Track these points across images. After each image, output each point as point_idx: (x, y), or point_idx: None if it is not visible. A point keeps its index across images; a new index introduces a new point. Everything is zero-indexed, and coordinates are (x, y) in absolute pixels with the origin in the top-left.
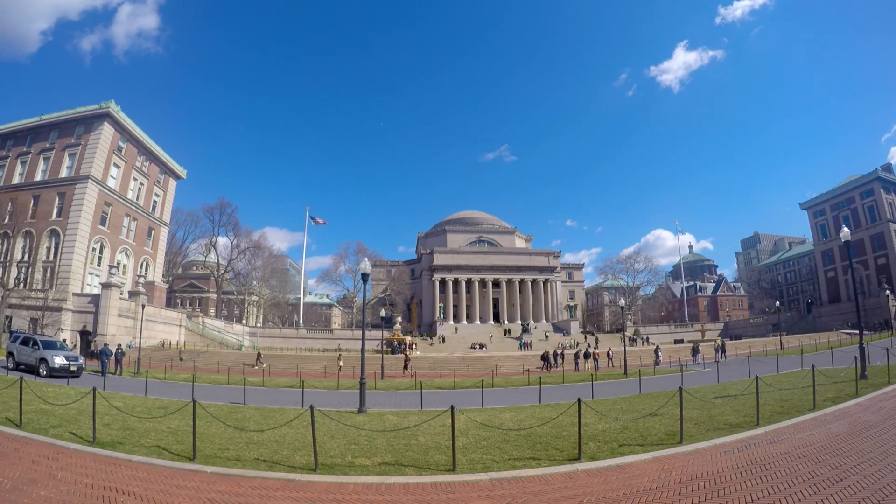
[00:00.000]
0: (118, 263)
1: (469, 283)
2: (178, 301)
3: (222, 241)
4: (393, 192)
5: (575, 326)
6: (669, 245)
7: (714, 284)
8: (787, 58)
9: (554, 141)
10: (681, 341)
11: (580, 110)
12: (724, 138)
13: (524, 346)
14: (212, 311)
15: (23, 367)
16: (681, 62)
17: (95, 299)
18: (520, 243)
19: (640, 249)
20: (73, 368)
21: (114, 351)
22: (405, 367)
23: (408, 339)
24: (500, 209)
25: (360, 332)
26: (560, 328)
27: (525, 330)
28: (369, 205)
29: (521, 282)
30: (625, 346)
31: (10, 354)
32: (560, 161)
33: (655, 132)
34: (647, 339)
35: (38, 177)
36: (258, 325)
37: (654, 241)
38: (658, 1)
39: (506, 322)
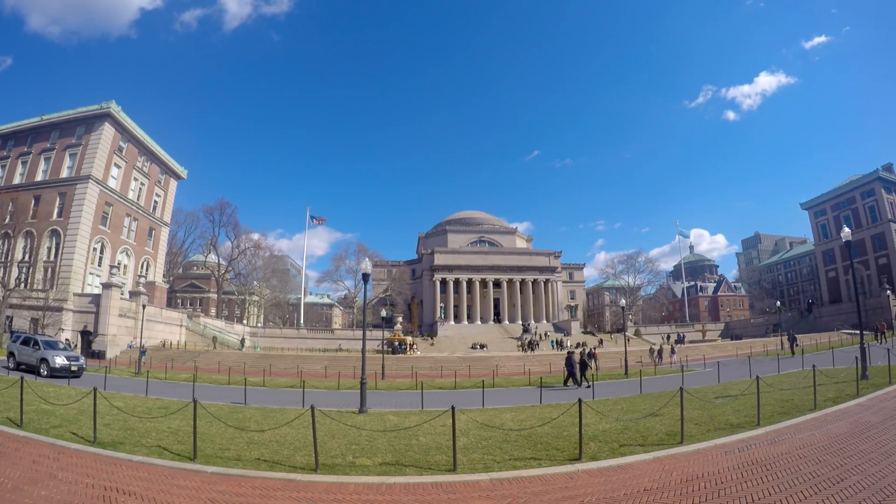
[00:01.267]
0: (119, 263)
1: (470, 283)
2: (179, 301)
3: (223, 240)
4: (394, 191)
5: (576, 326)
6: (703, 247)
7: (715, 284)
8: (819, 75)
9: (610, 145)
10: (682, 341)
11: (642, 118)
12: (731, 140)
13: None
14: (212, 311)
15: (24, 367)
16: (758, 87)
17: (96, 299)
18: (520, 243)
19: (674, 249)
20: (73, 368)
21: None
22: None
23: (409, 339)
24: (537, 213)
25: (361, 332)
26: (561, 328)
27: (526, 330)
28: (370, 205)
29: (522, 282)
30: (625, 345)
31: (10, 354)
32: (610, 165)
33: (709, 147)
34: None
35: (39, 177)
36: (259, 325)
37: (694, 239)
38: (748, 29)
39: (506, 322)
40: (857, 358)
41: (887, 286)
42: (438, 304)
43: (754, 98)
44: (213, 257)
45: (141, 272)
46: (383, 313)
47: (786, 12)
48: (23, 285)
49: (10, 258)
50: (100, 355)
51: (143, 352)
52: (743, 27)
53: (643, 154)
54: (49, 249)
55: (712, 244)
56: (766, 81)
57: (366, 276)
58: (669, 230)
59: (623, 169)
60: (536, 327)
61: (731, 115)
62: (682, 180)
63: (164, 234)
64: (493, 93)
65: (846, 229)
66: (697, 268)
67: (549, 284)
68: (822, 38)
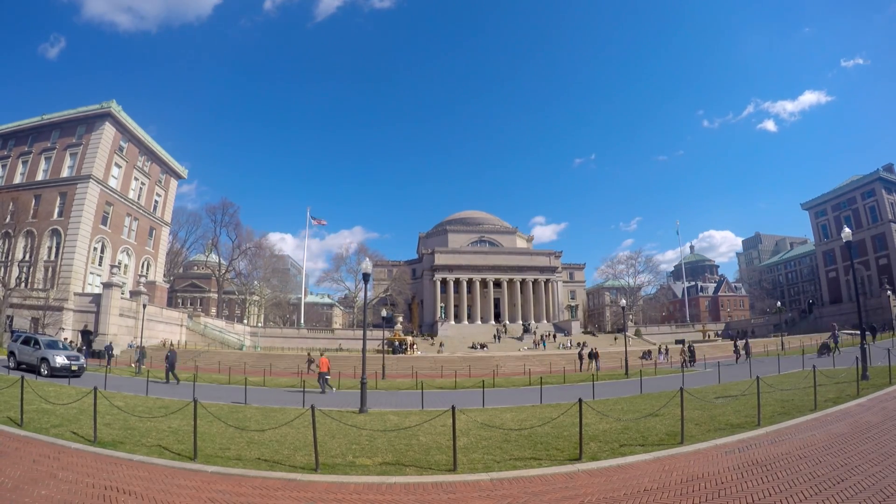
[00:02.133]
0: (119, 263)
1: (470, 283)
2: (180, 301)
3: (224, 240)
4: (395, 191)
5: (576, 326)
6: (723, 248)
7: (715, 285)
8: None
9: (633, 146)
10: (682, 342)
11: (686, 125)
12: (762, 149)
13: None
14: (213, 310)
15: (24, 366)
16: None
17: (97, 299)
18: (521, 243)
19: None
20: (74, 368)
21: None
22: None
23: (409, 338)
24: (568, 213)
25: (362, 332)
26: (561, 328)
27: (526, 330)
28: (370, 204)
29: (523, 282)
30: (625, 345)
31: (11, 354)
32: (646, 169)
33: (742, 154)
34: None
35: (40, 176)
36: (259, 324)
37: (718, 241)
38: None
39: (507, 322)
40: (857, 358)
41: (888, 286)
42: (439, 304)
43: (796, 115)
44: (213, 257)
45: (141, 272)
46: (384, 313)
47: (838, 38)
48: (23, 285)
49: (10, 257)
50: (100, 355)
51: (141, 355)
52: (797, 48)
53: (679, 158)
54: (49, 249)
55: (732, 247)
56: (808, 98)
57: (366, 276)
58: (691, 232)
59: (657, 173)
60: (537, 327)
61: (770, 125)
62: (712, 185)
63: (165, 233)
64: (500, 93)
65: (847, 229)
66: (698, 268)
67: (550, 284)
68: (862, 60)
